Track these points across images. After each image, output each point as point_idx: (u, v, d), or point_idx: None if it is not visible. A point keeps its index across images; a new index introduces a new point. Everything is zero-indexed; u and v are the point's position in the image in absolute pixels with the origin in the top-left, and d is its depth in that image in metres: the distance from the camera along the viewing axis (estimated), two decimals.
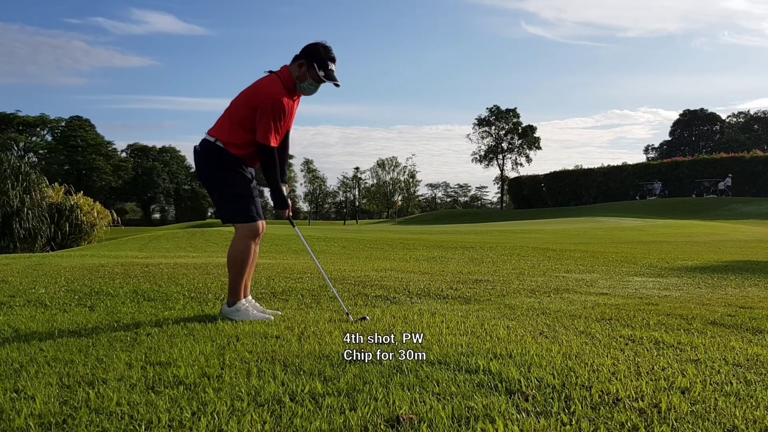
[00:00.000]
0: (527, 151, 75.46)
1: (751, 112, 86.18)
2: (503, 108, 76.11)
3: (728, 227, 21.96)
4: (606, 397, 2.01)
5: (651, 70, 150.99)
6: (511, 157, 76.18)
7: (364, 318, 3.43)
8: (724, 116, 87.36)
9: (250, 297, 3.72)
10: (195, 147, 3.60)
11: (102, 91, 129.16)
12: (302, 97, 3.70)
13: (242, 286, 3.57)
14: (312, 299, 4.28)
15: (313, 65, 3.47)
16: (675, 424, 1.79)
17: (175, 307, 3.89)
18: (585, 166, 61.95)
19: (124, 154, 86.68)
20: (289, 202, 3.67)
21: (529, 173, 63.48)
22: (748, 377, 2.26)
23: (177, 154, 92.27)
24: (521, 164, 75.41)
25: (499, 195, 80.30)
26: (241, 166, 3.54)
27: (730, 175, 42.69)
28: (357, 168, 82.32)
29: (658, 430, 1.75)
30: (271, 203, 3.73)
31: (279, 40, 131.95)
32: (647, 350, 2.70)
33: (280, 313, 3.70)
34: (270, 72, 3.56)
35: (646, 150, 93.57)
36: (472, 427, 1.76)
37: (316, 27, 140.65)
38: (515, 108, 75.78)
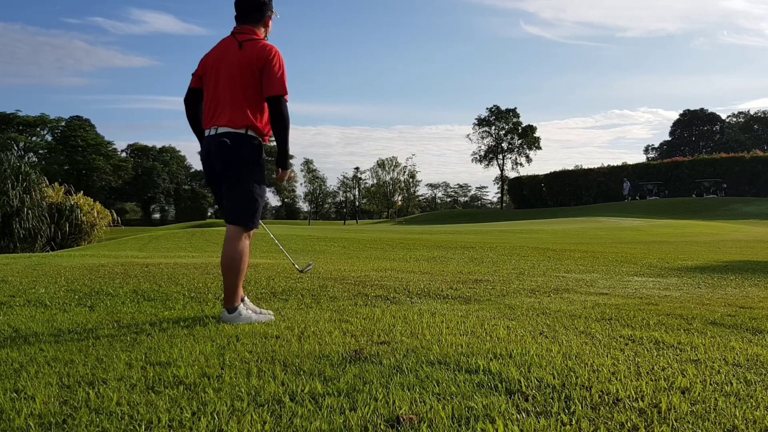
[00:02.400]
0: (527, 151, 75.52)
1: (751, 112, 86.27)
2: (503, 108, 76.18)
3: (728, 227, 21.96)
4: (606, 397, 2.01)
5: (651, 70, 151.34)
6: (511, 157, 76.22)
7: (309, 265, 3.71)
8: (724, 116, 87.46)
9: (246, 299, 3.64)
10: (222, 140, 3.33)
11: (102, 91, 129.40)
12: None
13: (241, 288, 3.52)
14: (312, 299, 4.28)
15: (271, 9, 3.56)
16: (675, 424, 1.79)
17: (175, 307, 3.89)
18: (585, 166, 62.10)
19: (124, 154, 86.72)
20: None
21: (529, 173, 63.54)
22: (748, 377, 2.26)
23: (177, 154, 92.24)
24: (521, 164, 75.49)
25: (499, 195, 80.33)
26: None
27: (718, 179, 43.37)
28: (357, 168, 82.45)
29: (658, 430, 1.75)
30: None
31: (278, 40, 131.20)
32: (647, 350, 2.70)
33: (272, 314, 3.64)
34: (251, 37, 3.43)
35: (646, 150, 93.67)
36: (472, 427, 1.76)
37: (315, 27, 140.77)
38: (515, 108, 75.87)
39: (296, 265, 3.75)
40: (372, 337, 2.94)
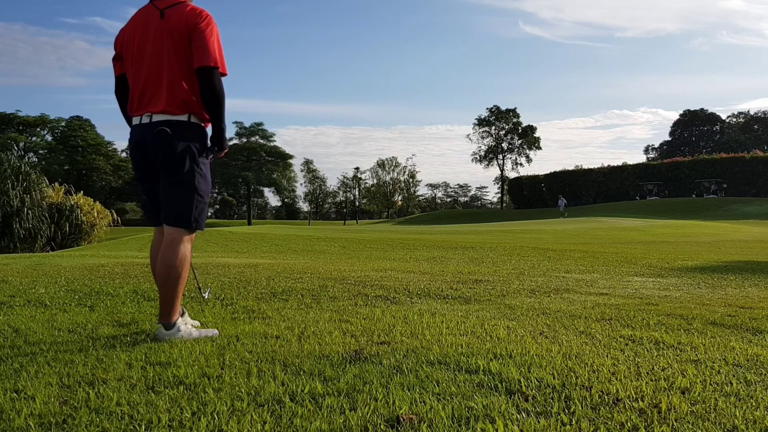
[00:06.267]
0: (527, 151, 75.72)
1: (751, 112, 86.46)
2: (503, 108, 76.38)
3: (728, 227, 21.97)
4: (606, 397, 2.01)
5: (650, 70, 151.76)
6: (511, 157, 76.41)
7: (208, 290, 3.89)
8: (724, 116, 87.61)
9: (186, 313, 3.14)
10: (161, 129, 2.88)
11: (103, 91, 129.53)
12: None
13: (180, 300, 2.98)
14: (312, 299, 4.28)
15: None
16: (675, 424, 1.78)
17: None
18: (585, 166, 62.25)
19: (124, 154, 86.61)
20: None
21: (529, 173, 63.73)
22: (748, 377, 2.26)
23: None
24: (521, 164, 75.73)
25: (499, 195, 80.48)
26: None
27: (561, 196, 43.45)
28: (357, 168, 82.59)
29: (658, 430, 1.74)
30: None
31: (277, 40, 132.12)
32: (647, 350, 2.70)
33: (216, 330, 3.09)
34: (174, 1, 2.94)
35: (646, 150, 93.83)
36: (472, 427, 1.76)
37: (315, 27, 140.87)
38: (515, 108, 76.11)
39: (204, 293, 3.72)
40: (372, 337, 2.94)
